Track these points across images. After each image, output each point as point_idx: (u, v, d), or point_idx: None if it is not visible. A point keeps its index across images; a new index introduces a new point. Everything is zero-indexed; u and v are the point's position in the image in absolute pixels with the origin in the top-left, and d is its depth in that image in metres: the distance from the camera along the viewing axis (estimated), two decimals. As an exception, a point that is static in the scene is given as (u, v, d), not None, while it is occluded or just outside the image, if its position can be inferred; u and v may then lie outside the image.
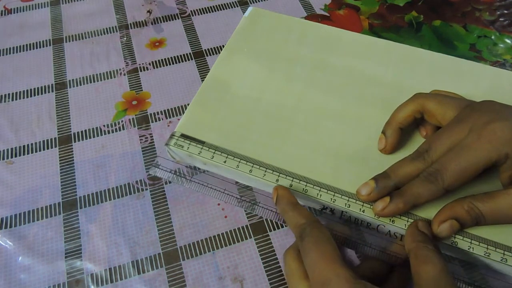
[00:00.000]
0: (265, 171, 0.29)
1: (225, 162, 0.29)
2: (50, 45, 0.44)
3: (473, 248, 0.25)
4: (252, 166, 0.29)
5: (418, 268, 0.23)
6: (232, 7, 0.47)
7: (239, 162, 0.29)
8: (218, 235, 0.31)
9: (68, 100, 0.39)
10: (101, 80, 0.41)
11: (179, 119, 0.38)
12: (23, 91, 0.40)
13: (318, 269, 0.23)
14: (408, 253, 0.24)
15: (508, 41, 0.43)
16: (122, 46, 0.44)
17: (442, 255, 0.23)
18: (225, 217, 0.32)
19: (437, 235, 0.25)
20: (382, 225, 0.27)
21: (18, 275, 0.30)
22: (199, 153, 0.29)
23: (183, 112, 0.37)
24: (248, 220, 0.32)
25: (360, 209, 0.27)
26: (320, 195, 0.28)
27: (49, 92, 0.40)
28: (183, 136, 0.30)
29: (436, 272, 0.22)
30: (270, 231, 0.32)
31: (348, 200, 0.27)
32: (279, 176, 0.28)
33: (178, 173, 0.32)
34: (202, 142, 0.30)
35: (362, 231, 0.29)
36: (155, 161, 0.32)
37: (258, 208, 0.30)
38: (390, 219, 0.26)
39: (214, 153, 0.29)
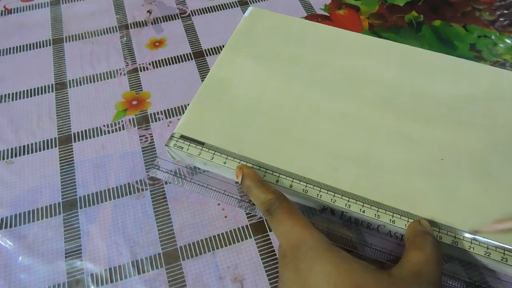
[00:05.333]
0: (265, 171, 0.29)
1: (225, 163, 0.29)
2: (50, 45, 0.44)
3: (473, 248, 0.25)
4: (252, 167, 0.29)
5: (409, 251, 0.23)
6: (232, 7, 0.47)
7: (239, 163, 0.29)
8: (218, 235, 0.31)
9: (68, 100, 0.39)
10: (101, 80, 0.41)
11: (179, 119, 0.38)
12: (23, 91, 0.40)
13: (293, 233, 0.24)
14: (406, 242, 0.25)
15: (508, 41, 0.43)
16: (122, 46, 0.44)
17: (439, 250, 0.23)
18: (225, 217, 0.32)
19: None
20: (382, 225, 0.27)
21: (18, 275, 0.30)
22: (199, 154, 0.29)
23: (183, 112, 0.37)
24: (248, 220, 0.32)
25: (361, 209, 0.27)
26: (320, 195, 0.28)
27: (49, 92, 0.40)
28: (183, 137, 0.30)
29: (424, 260, 0.22)
30: (270, 231, 0.32)
31: (348, 201, 0.27)
32: (279, 176, 0.28)
33: (178, 174, 0.32)
34: (201, 143, 0.30)
35: (362, 232, 0.29)
36: (155, 161, 0.32)
37: (258, 208, 0.30)
38: (390, 219, 0.26)
39: (214, 154, 0.29)
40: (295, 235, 0.24)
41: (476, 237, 0.25)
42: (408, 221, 0.26)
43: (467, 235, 0.26)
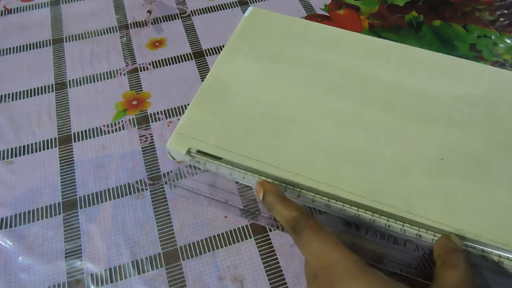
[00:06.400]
0: (286, 187, 0.28)
1: (243, 178, 0.28)
2: (50, 45, 0.44)
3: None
4: (259, 177, 0.28)
5: (443, 271, 0.23)
6: (232, 7, 0.47)
7: (258, 178, 0.28)
8: (218, 235, 0.31)
9: (68, 100, 0.39)
10: (101, 80, 0.41)
11: (179, 119, 0.38)
12: (23, 91, 0.40)
13: (324, 254, 0.23)
14: (436, 259, 0.24)
15: (508, 41, 0.43)
16: (122, 46, 0.44)
17: (470, 266, 0.23)
18: (225, 217, 0.32)
19: None
20: (409, 240, 0.26)
21: (18, 275, 0.30)
22: (216, 169, 0.29)
23: (183, 112, 0.37)
24: (248, 220, 0.32)
25: (386, 224, 0.26)
26: (344, 210, 0.27)
27: (49, 92, 0.40)
28: (200, 152, 0.30)
29: (460, 279, 0.22)
30: (270, 231, 0.32)
31: (372, 215, 0.26)
32: (300, 191, 0.28)
33: (197, 190, 0.30)
34: (219, 159, 0.29)
35: (387, 246, 0.28)
36: (171, 176, 0.31)
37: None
38: (416, 234, 0.26)
39: (232, 169, 0.29)
40: (326, 255, 0.23)
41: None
42: (434, 235, 0.26)
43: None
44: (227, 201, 0.30)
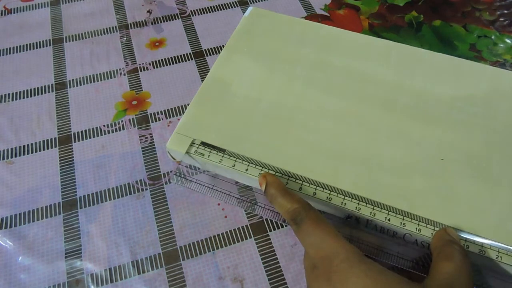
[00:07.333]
0: (288, 179, 0.28)
1: (246, 170, 0.28)
2: (50, 45, 0.44)
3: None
4: (274, 174, 0.28)
5: (438, 263, 0.23)
6: (232, 7, 0.47)
7: (261, 170, 0.29)
8: (218, 235, 0.31)
9: (68, 100, 0.39)
10: (101, 80, 0.41)
11: (179, 119, 0.38)
12: (23, 91, 0.40)
13: (323, 245, 0.23)
14: (433, 251, 0.24)
15: (508, 41, 0.43)
16: (122, 46, 0.44)
17: (468, 259, 0.23)
18: (225, 217, 0.32)
19: None
20: (408, 234, 0.26)
21: (18, 275, 0.30)
22: (220, 161, 0.29)
23: (183, 112, 0.37)
24: (248, 220, 0.32)
25: (386, 217, 0.26)
26: (345, 203, 0.27)
27: (49, 92, 0.40)
28: (204, 144, 0.30)
29: (456, 270, 0.22)
30: (270, 231, 0.32)
31: (373, 209, 0.27)
32: (302, 184, 0.28)
33: (201, 182, 0.31)
34: (223, 150, 0.30)
35: (386, 239, 0.28)
36: (174, 171, 0.31)
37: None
38: (416, 228, 0.26)
39: (235, 161, 0.29)
40: (325, 246, 0.23)
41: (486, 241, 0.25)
42: (434, 230, 0.26)
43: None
44: (225, 190, 0.30)
